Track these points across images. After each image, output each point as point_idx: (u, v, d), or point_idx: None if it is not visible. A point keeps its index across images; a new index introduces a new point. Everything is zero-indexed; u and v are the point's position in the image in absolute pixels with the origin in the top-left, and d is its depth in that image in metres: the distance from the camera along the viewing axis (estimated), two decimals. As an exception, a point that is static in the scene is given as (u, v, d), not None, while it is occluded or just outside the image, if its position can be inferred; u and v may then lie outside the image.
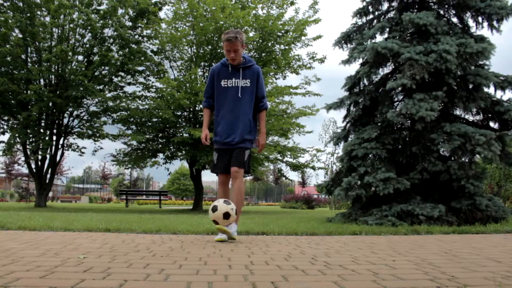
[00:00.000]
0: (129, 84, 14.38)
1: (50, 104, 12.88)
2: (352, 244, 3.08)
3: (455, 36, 5.84)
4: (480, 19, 6.24)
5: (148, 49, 13.90)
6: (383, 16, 6.90)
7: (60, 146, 14.30)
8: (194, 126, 12.35)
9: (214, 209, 3.01)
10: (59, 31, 13.13)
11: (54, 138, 13.91)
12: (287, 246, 2.91)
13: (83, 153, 15.08)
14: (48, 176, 13.99)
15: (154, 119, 13.10)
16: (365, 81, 6.51)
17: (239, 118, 3.31)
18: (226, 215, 2.99)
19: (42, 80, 13.28)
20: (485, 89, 5.90)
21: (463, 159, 5.59)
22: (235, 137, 3.30)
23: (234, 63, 3.29)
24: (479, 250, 2.73)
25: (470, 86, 5.85)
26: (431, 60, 5.36)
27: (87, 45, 13.40)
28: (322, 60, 13.63)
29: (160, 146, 13.72)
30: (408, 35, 6.34)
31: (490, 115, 6.03)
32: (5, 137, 13.58)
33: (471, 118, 6.18)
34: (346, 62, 6.51)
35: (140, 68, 13.81)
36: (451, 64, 5.29)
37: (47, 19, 12.83)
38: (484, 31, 8.30)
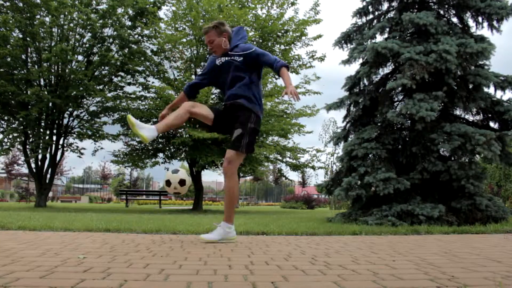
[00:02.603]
0: (129, 84, 14.36)
1: (50, 104, 12.87)
2: (352, 244, 3.08)
3: (455, 36, 5.84)
4: (480, 19, 6.24)
5: (148, 49, 13.90)
6: (383, 16, 6.90)
7: (60, 146, 14.30)
8: (194, 126, 12.34)
9: (168, 183, 3.20)
10: (59, 31, 13.12)
11: (54, 138, 13.90)
12: (287, 246, 2.91)
13: (82, 154, 15.00)
14: (48, 176, 13.98)
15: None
16: (365, 81, 6.52)
17: (235, 85, 3.08)
18: (181, 182, 3.20)
19: (42, 80, 13.27)
20: (485, 89, 5.91)
21: (463, 159, 5.60)
22: (229, 95, 3.09)
23: (217, 55, 3.15)
24: (479, 250, 2.73)
25: (470, 86, 5.85)
26: (431, 60, 5.36)
27: (87, 45, 13.39)
28: (322, 59, 13.62)
29: (160, 146, 13.72)
30: (408, 35, 6.34)
31: (490, 115, 6.03)
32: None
33: (471, 118, 6.18)
34: (346, 62, 6.52)
35: (140, 68, 13.80)
36: (451, 64, 5.29)
37: (47, 19, 12.82)
38: (484, 31, 8.33)
